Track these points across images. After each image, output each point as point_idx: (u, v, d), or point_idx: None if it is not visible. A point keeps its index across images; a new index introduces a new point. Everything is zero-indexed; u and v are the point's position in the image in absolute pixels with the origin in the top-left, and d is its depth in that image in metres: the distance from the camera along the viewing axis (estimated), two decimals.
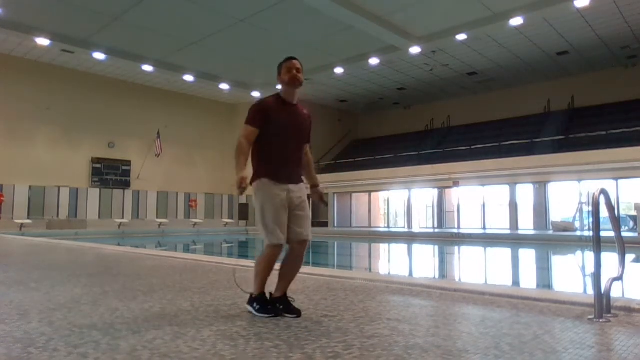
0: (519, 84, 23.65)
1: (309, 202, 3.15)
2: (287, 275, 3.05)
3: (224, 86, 23.82)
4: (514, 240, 15.50)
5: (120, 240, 16.40)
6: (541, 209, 19.33)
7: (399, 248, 15.04)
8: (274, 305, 2.97)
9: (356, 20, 15.81)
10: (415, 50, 18.32)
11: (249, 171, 2.93)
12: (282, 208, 2.95)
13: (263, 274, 2.99)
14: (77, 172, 22.43)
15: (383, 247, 15.53)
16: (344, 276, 4.75)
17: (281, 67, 3.13)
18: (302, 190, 3.10)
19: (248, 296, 3.09)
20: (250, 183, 3.03)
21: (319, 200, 3.28)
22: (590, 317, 2.84)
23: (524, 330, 2.58)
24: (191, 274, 5.16)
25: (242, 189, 2.82)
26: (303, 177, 3.22)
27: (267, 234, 2.94)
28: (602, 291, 2.85)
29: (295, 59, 3.13)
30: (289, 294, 3.07)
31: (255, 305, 2.97)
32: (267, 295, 3.02)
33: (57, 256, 7.87)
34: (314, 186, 3.29)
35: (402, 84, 24.08)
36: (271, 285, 3.04)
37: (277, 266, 3.07)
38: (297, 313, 2.94)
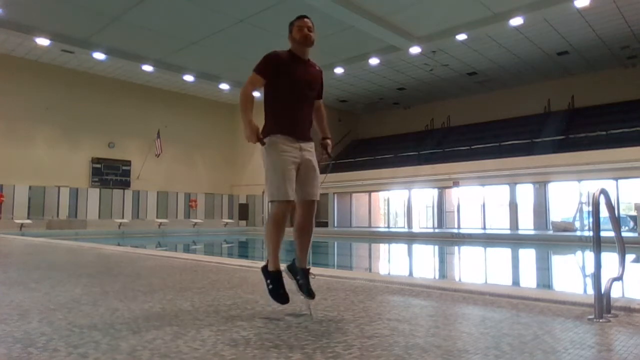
0: (519, 84, 23.66)
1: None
2: (303, 243, 2.99)
3: (224, 86, 23.83)
4: (514, 240, 15.50)
5: (120, 240, 16.39)
6: (541, 209, 19.33)
7: (399, 248, 15.03)
8: (293, 272, 2.96)
9: (356, 20, 15.81)
10: (415, 50, 18.33)
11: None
12: (292, 164, 2.86)
13: (275, 238, 2.87)
14: (77, 172, 22.44)
15: (383, 247, 15.53)
16: (344, 276, 4.75)
17: (292, 26, 3.05)
18: (312, 150, 3.02)
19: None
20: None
21: (324, 150, 3.16)
22: (590, 317, 2.84)
23: (524, 330, 2.58)
24: (191, 274, 5.16)
25: (259, 139, 2.78)
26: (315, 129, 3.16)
27: (275, 189, 2.82)
28: (602, 291, 2.84)
29: (307, 17, 3.04)
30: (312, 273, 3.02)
31: (269, 282, 2.91)
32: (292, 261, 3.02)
33: (57, 256, 7.87)
34: (325, 138, 3.19)
35: (402, 84, 24.08)
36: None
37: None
38: (311, 295, 2.90)
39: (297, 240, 3.01)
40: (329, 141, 3.18)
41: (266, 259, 3.00)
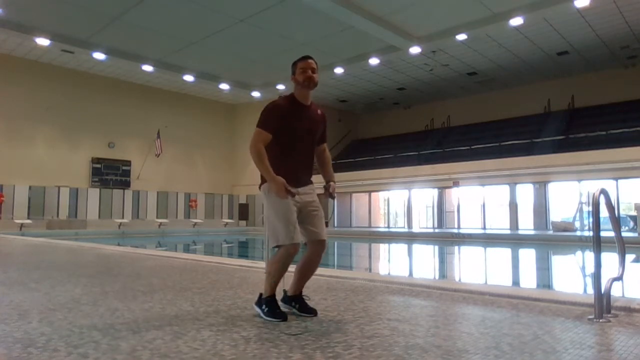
0: (519, 84, 23.65)
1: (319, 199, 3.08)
2: (304, 274, 3.03)
3: (224, 86, 23.83)
4: (514, 240, 15.50)
5: (120, 240, 16.39)
6: (541, 209, 19.33)
7: (399, 248, 15.04)
8: (287, 302, 2.98)
9: (356, 20, 15.80)
10: (415, 50, 18.32)
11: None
12: (293, 208, 2.88)
13: (277, 276, 2.89)
14: (77, 172, 22.44)
15: (383, 247, 15.53)
16: (344, 276, 4.75)
17: (295, 67, 3.01)
18: (312, 190, 3.05)
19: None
20: (259, 186, 3.01)
21: (325, 192, 3.15)
22: (590, 317, 2.84)
23: (524, 330, 2.58)
24: (191, 274, 5.16)
25: (289, 192, 2.82)
26: (318, 177, 3.17)
27: (281, 234, 2.83)
28: (602, 291, 2.85)
29: (310, 58, 3.01)
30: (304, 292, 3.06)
31: (264, 307, 2.88)
32: (281, 294, 3.01)
33: (57, 256, 7.87)
34: (329, 181, 3.18)
35: (402, 84, 24.08)
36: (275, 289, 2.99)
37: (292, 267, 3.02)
38: (313, 312, 2.94)
39: (299, 273, 3.02)
40: (332, 184, 3.16)
41: (259, 293, 3.00)
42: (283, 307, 2.96)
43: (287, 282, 3.07)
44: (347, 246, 16.47)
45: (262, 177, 2.95)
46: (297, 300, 2.99)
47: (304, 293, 3.04)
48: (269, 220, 2.93)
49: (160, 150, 24.37)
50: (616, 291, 3.28)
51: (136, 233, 20.55)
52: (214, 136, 27.83)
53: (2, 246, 10.38)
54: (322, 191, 3.16)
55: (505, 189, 20.25)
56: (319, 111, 3.12)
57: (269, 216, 2.93)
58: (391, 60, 20.31)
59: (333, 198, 3.15)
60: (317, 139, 3.12)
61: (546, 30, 17.14)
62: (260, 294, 2.96)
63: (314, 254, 3.00)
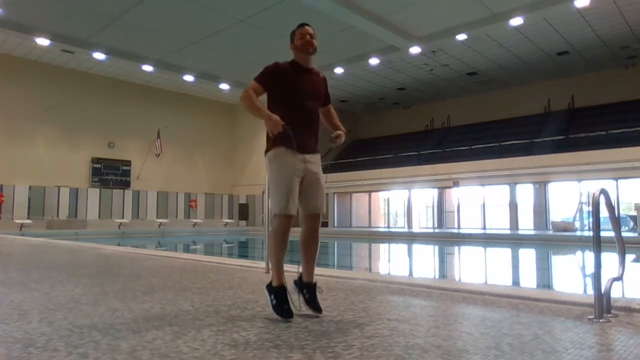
0: (519, 84, 23.66)
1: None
2: (308, 255, 2.98)
3: (224, 86, 23.84)
4: (514, 240, 15.50)
5: (120, 240, 16.39)
6: (541, 209, 19.33)
7: (399, 248, 15.04)
8: (300, 287, 2.94)
9: (356, 20, 15.81)
10: (415, 50, 18.33)
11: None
12: (295, 177, 2.83)
13: (277, 252, 2.85)
14: (77, 172, 22.44)
15: (383, 247, 15.53)
16: (344, 276, 4.75)
17: (294, 34, 3.02)
18: (318, 162, 2.99)
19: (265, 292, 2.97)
20: (265, 152, 2.96)
21: (334, 138, 3.06)
22: (590, 317, 2.84)
23: (524, 330, 2.58)
24: (191, 274, 5.16)
25: (281, 127, 2.74)
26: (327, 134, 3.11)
27: (276, 203, 2.81)
28: (602, 291, 2.84)
29: (308, 25, 3.02)
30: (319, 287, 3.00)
31: (272, 298, 2.83)
32: (291, 285, 2.95)
33: (57, 256, 7.87)
34: (338, 130, 3.11)
35: (402, 84, 24.08)
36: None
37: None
38: (317, 310, 2.88)
39: (302, 253, 2.99)
40: (341, 132, 3.10)
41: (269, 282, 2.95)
42: (293, 290, 2.94)
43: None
44: (347, 246, 16.47)
45: (267, 143, 2.91)
46: (309, 290, 2.92)
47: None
48: (269, 187, 2.91)
49: (160, 150, 24.38)
50: (616, 291, 3.28)
51: (136, 233, 20.55)
52: (214, 136, 27.83)
53: (2, 246, 10.38)
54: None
55: (505, 189, 20.26)
56: (320, 74, 3.11)
57: (270, 184, 2.90)
58: (391, 60, 20.31)
59: (334, 143, 3.09)
60: (321, 102, 3.10)
61: (546, 30, 17.14)
62: (271, 283, 2.90)
63: (309, 230, 2.96)
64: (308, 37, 2.96)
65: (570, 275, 8.30)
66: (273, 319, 2.86)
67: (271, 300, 2.84)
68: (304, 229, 2.98)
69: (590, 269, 3.10)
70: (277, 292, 2.82)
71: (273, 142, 2.87)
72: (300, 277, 3.01)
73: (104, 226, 21.93)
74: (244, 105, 2.84)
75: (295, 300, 2.93)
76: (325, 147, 3.17)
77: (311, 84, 3.00)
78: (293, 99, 2.90)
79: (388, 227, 24.44)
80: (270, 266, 2.95)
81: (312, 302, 2.90)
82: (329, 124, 3.18)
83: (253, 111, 2.82)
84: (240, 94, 2.86)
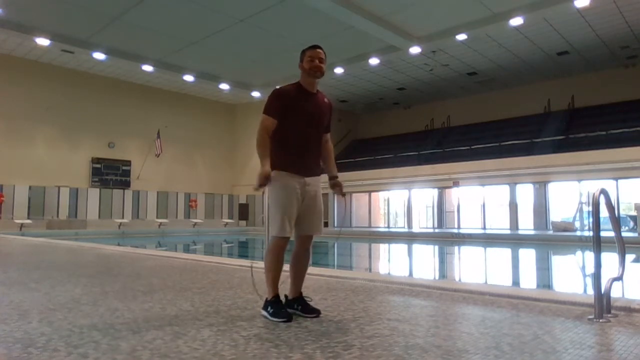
0: (519, 84, 23.65)
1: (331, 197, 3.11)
2: (297, 272, 3.02)
3: (224, 86, 23.84)
4: (514, 240, 15.50)
5: (120, 240, 16.39)
6: (541, 209, 19.33)
7: (399, 248, 15.04)
8: (290, 306, 2.94)
9: (356, 20, 15.81)
10: (415, 50, 18.33)
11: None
12: (294, 200, 2.88)
13: (273, 270, 2.90)
14: (77, 172, 22.44)
15: (383, 247, 15.53)
16: (344, 276, 4.75)
17: (304, 54, 3.00)
18: (318, 183, 3.04)
19: (263, 300, 2.99)
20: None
21: (339, 193, 3.11)
22: (590, 317, 2.84)
23: (524, 330, 2.58)
24: (191, 274, 5.16)
25: (262, 185, 2.81)
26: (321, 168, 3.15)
27: (274, 226, 2.88)
28: (602, 291, 2.85)
29: (319, 47, 3.00)
30: (305, 293, 3.04)
31: (269, 309, 2.86)
32: (283, 299, 2.95)
33: (57, 256, 7.87)
34: (333, 177, 3.14)
35: (402, 84, 24.07)
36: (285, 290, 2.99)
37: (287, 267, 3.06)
38: (315, 312, 2.91)
39: (292, 269, 3.03)
40: (338, 181, 3.13)
41: (264, 298, 2.97)
42: (290, 311, 2.92)
43: (287, 287, 3.07)
44: (347, 246, 16.47)
45: (270, 163, 2.91)
46: (298, 302, 2.96)
47: (305, 294, 3.03)
48: (269, 207, 2.96)
49: (160, 150, 24.38)
50: (616, 291, 3.28)
51: (136, 233, 20.54)
52: (214, 136, 27.82)
53: (2, 246, 10.38)
54: (329, 190, 3.20)
55: (505, 189, 20.26)
56: (325, 99, 3.11)
57: (270, 204, 2.94)
58: (391, 60, 20.31)
59: (344, 195, 3.15)
60: (324, 127, 3.10)
61: (546, 30, 17.14)
62: (266, 299, 2.94)
63: (300, 249, 3.01)
64: (317, 61, 2.95)
65: (570, 275, 8.29)
66: (273, 319, 2.86)
67: (268, 312, 2.85)
68: (297, 248, 3.02)
69: (590, 269, 3.10)
70: (273, 302, 2.87)
71: (275, 164, 2.90)
72: (286, 299, 2.99)
73: (104, 226, 21.93)
74: (257, 145, 2.88)
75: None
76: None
77: (316, 108, 3.01)
78: (296, 124, 2.92)
79: (388, 227, 24.44)
80: (265, 277, 2.97)
81: (306, 309, 2.93)
82: (324, 161, 3.17)
83: (258, 153, 2.88)
84: (257, 136, 2.89)
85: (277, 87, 3.01)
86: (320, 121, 3.02)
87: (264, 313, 2.90)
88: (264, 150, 2.86)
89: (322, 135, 3.08)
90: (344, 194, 3.16)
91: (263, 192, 2.98)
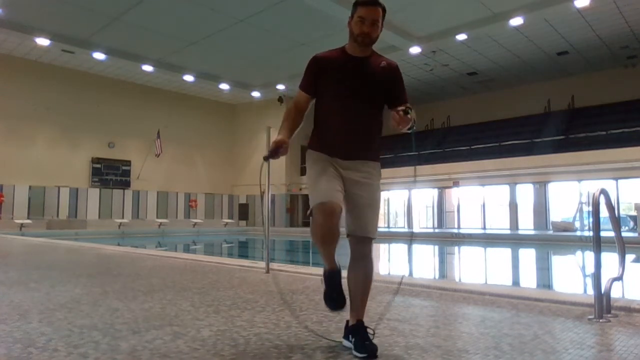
0: (519, 84, 23.65)
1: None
2: (356, 289, 2.30)
3: (224, 86, 23.84)
4: (514, 240, 15.50)
5: (120, 240, 16.39)
6: (541, 209, 19.33)
7: (399, 248, 15.03)
8: (345, 336, 2.27)
9: None
10: (415, 50, 18.32)
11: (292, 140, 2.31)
12: (332, 170, 2.26)
13: (322, 248, 2.25)
14: (77, 172, 22.44)
15: (383, 247, 15.52)
16: (344, 276, 4.74)
17: (355, 11, 2.30)
18: (367, 169, 2.36)
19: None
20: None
21: (402, 115, 2.22)
22: (590, 317, 2.84)
23: (524, 330, 2.58)
24: (191, 274, 5.16)
25: (272, 152, 2.22)
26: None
27: (313, 197, 2.22)
28: (602, 291, 2.84)
29: (377, 4, 2.28)
30: (368, 323, 2.28)
31: (322, 283, 2.36)
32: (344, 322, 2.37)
33: (57, 256, 7.87)
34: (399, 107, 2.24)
35: None
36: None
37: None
38: (371, 351, 2.09)
39: (349, 286, 2.34)
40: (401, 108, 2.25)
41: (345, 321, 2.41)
42: (344, 341, 2.28)
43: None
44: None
45: (308, 141, 2.38)
46: (355, 333, 2.19)
47: (368, 325, 2.24)
48: (309, 189, 2.33)
49: (160, 150, 24.37)
50: (616, 291, 3.28)
51: (136, 233, 20.54)
52: (214, 136, 27.81)
53: (2, 246, 10.38)
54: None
55: (505, 189, 20.26)
56: (383, 63, 2.40)
57: (308, 184, 2.33)
58: None
59: (407, 113, 2.24)
60: (388, 99, 2.39)
61: (546, 30, 17.14)
62: (347, 321, 2.32)
63: (357, 257, 2.31)
64: (368, 24, 2.27)
65: (570, 275, 8.29)
66: (273, 318, 2.86)
67: (324, 287, 2.34)
68: (352, 255, 2.34)
69: (590, 269, 3.09)
70: (328, 276, 2.32)
71: (310, 143, 2.40)
72: (347, 325, 2.32)
73: (104, 226, 21.91)
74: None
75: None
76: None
77: (364, 75, 2.32)
78: (335, 97, 2.31)
79: (388, 227, 24.43)
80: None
81: (360, 347, 2.12)
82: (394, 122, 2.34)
83: (280, 128, 2.33)
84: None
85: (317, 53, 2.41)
86: (371, 91, 2.33)
87: (324, 283, 2.35)
88: (287, 123, 2.32)
89: (376, 109, 2.39)
90: (406, 110, 2.25)
91: (264, 173, 2.43)
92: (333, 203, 2.15)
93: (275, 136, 2.31)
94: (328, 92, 2.33)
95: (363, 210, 2.29)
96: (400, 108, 2.23)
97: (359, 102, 2.32)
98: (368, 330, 2.19)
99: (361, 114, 2.34)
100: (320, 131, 2.36)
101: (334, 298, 2.28)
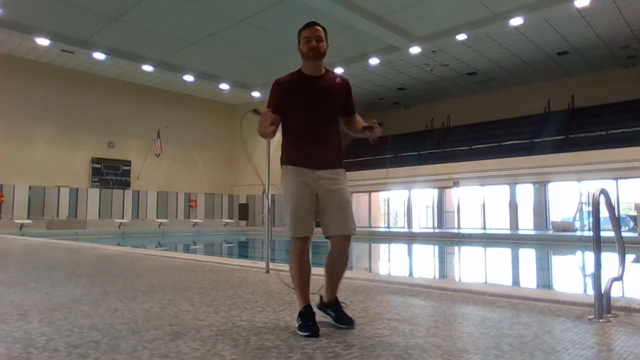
0: (519, 84, 23.65)
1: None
2: (330, 274, 2.73)
3: (224, 86, 23.83)
4: (514, 240, 15.50)
5: (120, 240, 16.39)
6: (541, 209, 19.33)
7: (399, 248, 15.04)
8: (323, 310, 2.71)
9: (356, 20, 15.81)
10: (415, 50, 18.32)
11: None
12: (306, 196, 2.59)
13: (298, 277, 2.62)
14: (77, 172, 22.43)
15: (383, 247, 15.53)
16: (344, 276, 4.74)
17: (300, 35, 2.67)
18: (337, 176, 2.69)
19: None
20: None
21: (371, 127, 2.71)
22: (590, 317, 2.84)
23: (524, 330, 2.58)
24: (191, 274, 5.16)
25: (269, 119, 2.52)
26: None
27: (287, 226, 2.60)
28: (602, 291, 2.84)
29: (316, 24, 2.65)
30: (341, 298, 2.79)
31: (298, 320, 2.56)
32: (319, 299, 2.77)
33: (57, 256, 7.87)
34: (365, 127, 2.73)
35: (402, 84, 24.07)
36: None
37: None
38: (348, 323, 2.61)
39: (326, 271, 2.75)
40: (369, 123, 2.73)
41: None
42: (321, 316, 2.68)
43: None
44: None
45: (280, 158, 2.72)
46: (333, 308, 2.69)
47: (340, 299, 2.76)
48: (284, 206, 2.64)
49: (160, 150, 24.36)
50: (616, 291, 3.28)
51: (136, 233, 20.54)
52: (214, 136, 27.81)
53: (2, 246, 10.38)
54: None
55: (505, 189, 20.26)
56: (337, 80, 2.75)
57: (283, 202, 2.64)
58: (391, 60, 20.31)
59: (379, 124, 2.73)
60: (342, 111, 2.77)
61: (546, 30, 17.14)
62: (321, 297, 2.76)
63: (334, 252, 2.71)
64: (314, 41, 2.61)
65: (570, 275, 8.30)
66: (273, 318, 2.86)
67: (297, 323, 2.55)
68: (330, 249, 2.72)
69: (590, 269, 3.09)
70: (301, 313, 2.57)
71: (283, 158, 2.71)
72: (321, 301, 2.77)
73: (104, 226, 21.91)
74: (259, 134, 2.62)
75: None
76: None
77: (322, 92, 2.66)
78: (299, 113, 2.63)
79: (388, 227, 24.43)
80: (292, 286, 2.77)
81: (339, 318, 2.64)
82: (355, 132, 2.84)
83: (261, 134, 2.61)
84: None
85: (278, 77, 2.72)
86: (327, 105, 2.68)
87: (296, 324, 2.59)
88: (259, 126, 2.58)
89: (336, 120, 2.75)
90: (377, 123, 2.73)
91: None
92: (303, 240, 2.60)
93: (272, 140, 2.55)
94: (294, 110, 2.63)
95: (339, 212, 2.63)
96: (376, 121, 2.68)
97: (322, 116, 2.66)
98: (342, 304, 2.71)
99: (325, 126, 2.69)
100: (292, 147, 2.68)
101: (309, 325, 2.48)
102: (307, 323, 2.49)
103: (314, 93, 2.65)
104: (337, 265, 2.73)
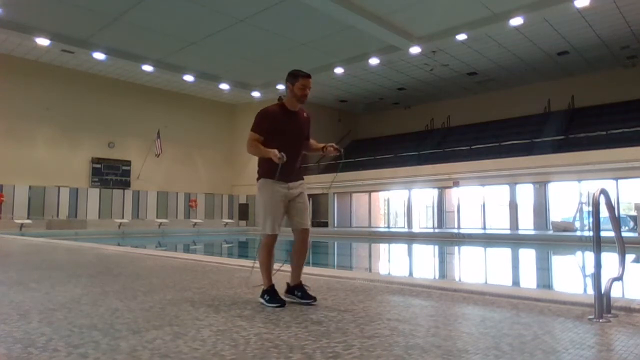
0: (519, 84, 23.65)
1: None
2: (296, 262, 3.46)
3: (224, 86, 23.83)
4: (514, 240, 15.50)
5: (120, 240, 16.39)
6: (541, 209, 19.32)
7: (399, 248, 15.04)
8: (291, 292, 3.39)
9: (356, 20, 15.81)
10: (415, 50, 18.32)
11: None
12: (279, 203, 3.35)
13: (266, 263, 3.37)
14: (77, 172, 22.44)
15: (383, 247, 15.52)
16: (344, 276, 4.75)
17: (296, 80, 3.34)
18: (301, 186, 3.50)
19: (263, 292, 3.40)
20: (257, 179, 3.45)
21: (330, 149, 3.50)
22: (590, 317, 2.84)
23: (524, 330, 2.58)
24: (191, 274, 5.16)
25: (284, 158, 3.17)
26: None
27: (263, 225, 3.35)
28: (602, 291, 2.85)
29: (310, 77, 3.39)
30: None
31: (265, 296, 3.29)
32: (285, 286, 3.42)
33: (57, 256, 7.87)
34: (323, 148, 3.52)
35: (402, 84, 24.08)
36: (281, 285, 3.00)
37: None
38: (312, 298, 3.33)
39: (293, 259, 3.48)
40: (327, 145, 3.53)
41: (261, 290, 3.38)
42: (287, 298, 3.36)
43: (282, 279, 3.05)
44: (347, 246, 16.47)
45: (258, 172, 3.44)
46: (298, 289, 3.38)
47: (304, 283, 3.43)
48: (258, 211, 3.45)
49: (160, 150, 24.37)
50: (616, 291, 3.28)
51: (136, 233, 20.54)
52: (214, 136, 27.82)
53: (2, 246, 10.38)
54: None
55: (505, 189, 20.24)
56: (305, 114, 3.56)
57: (259, 208, 3.42)
58: (391, 60, 20.31)
59: (339, 150, 3.56)
60: (305, 139, 3.57)
61: (546, 30, 17.14)
62: (263, 289, 3.37)
63: (299, 241, 3.46)
64: (307, 90, 3.37)
65: (570, 275, 8.30)
66: (273, 318, 2.86)
67: (265, 299, 3.29)
68: (295, 241, 3.47)
69: (590, 269, 3.09)
70: (268, 291, 3.32)
71: (262, 173, 3.41)
72: (287, 287, 3.44)
73: (104, 226, 21.92)
74: (250, 153, 3.36)
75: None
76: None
77: (297, 124, 3.46)
78: (281, 141, 3.31)
79: (388, 227, 24.43)
80: (260, 270, 3.44)
81: (305, 296, 3.36)
82: (312, 151, 3.64)
83: (259, 154, 3.32)
84: (247, 146, 3.35)
85: (264, 108, 3.43)
86: (300, 136, 3.49)
87: (261, 300, 3.32)
88: (257, 149, 3.31)
89: (303, 146, 3.52)
90: (338, 149, 3.54)
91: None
92: (274, 236, 3.39)
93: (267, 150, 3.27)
94: (276, 136, 3.33)
95: (303, 212, 3.46)
96: (335, 146, 3.51)
97: (296, 142, 3.46)
98: (305, 286, 3.41)
99: (298, 151, 3.48)
100: (271, 165, 3.27)
101: (277, 299, 3.27)
102: (275, 297, 3.27)
103: (293, 125, 3.44)
104: (301, 253, 3.48)
